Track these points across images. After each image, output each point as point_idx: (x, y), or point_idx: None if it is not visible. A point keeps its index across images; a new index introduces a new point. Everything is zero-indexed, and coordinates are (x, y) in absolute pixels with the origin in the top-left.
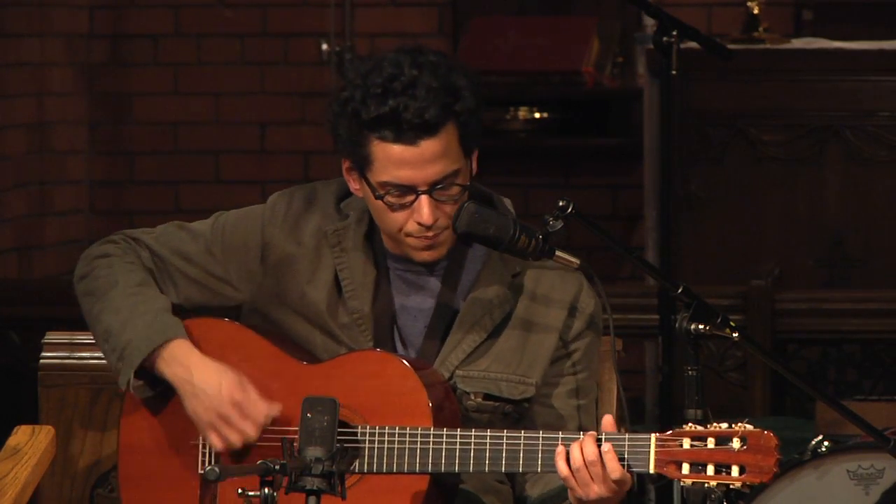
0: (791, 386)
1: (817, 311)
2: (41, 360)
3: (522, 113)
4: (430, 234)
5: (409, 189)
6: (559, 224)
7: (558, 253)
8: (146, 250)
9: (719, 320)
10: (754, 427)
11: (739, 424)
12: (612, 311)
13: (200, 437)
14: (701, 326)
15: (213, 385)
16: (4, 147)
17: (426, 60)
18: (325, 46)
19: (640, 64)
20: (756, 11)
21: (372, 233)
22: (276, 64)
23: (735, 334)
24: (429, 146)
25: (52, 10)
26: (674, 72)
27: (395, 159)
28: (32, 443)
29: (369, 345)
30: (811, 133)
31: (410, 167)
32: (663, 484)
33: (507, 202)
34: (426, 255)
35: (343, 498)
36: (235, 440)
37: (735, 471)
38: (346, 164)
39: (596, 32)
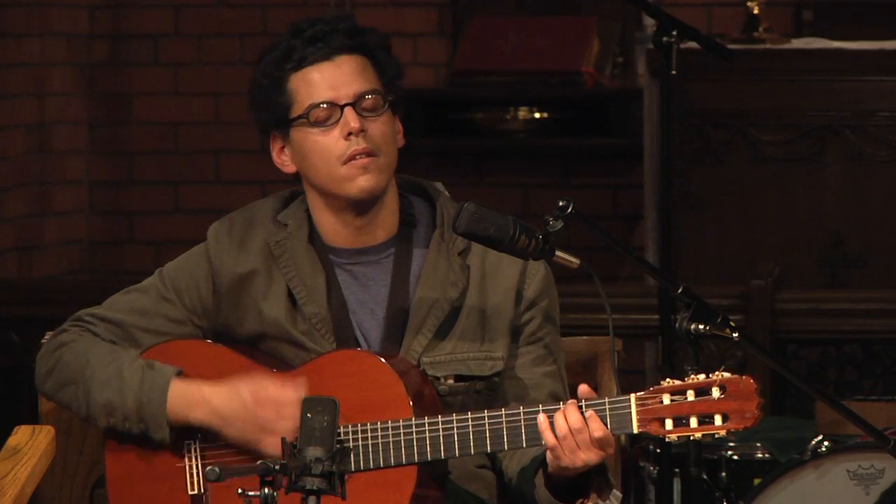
0: (791, 386)
1: (817, 311)
2: None
3: (522, 113)
4: (363, 147)
5: (333, 105)
6: (559, 224)
7: (558, 253)
8: (101, 324)
9: (719, 320)
10: (732, 374)
11: (717, 373)
12: (611, 311)
13: (186, 459)
14: (701, 326)
15: (237, 402)
16: (4, 147)
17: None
18: None
19: (640, 64)
20: (756, 11)
21: (313, 235)
22: None
23: (735, 334)
24: (344, 61)
25: (52, 10)
26: (674, 72)
27: (315, 81)
28: (32, 443)
29: (332, 346)
30: (811, 133)
31: (330, 83)
32: (663, 484)
33: (440, 185)
34: (364, 182)
35: (343, 498)
36: (288, 434)
37: (718, 420)
38: (274, 145)
39: (596, 32)
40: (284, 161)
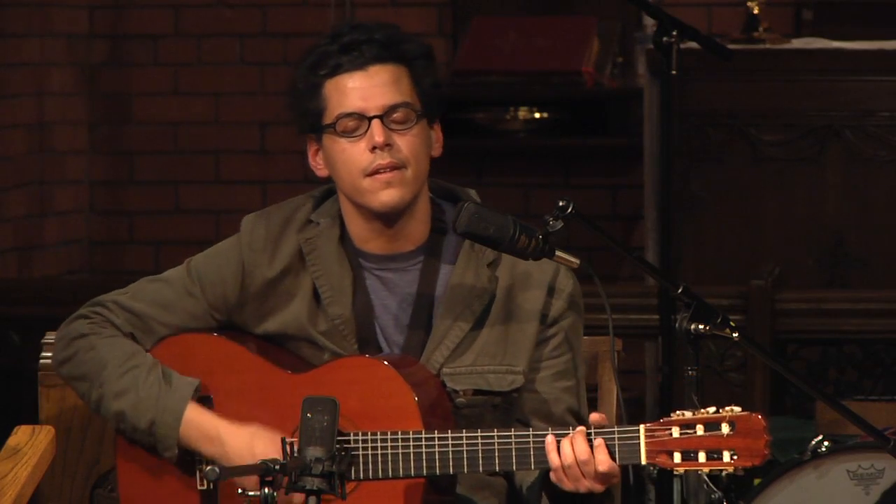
0: (791, 386)
1: (817, 311)
2: (41, 360)
3: (522, 113)
4: (387, 161)
5: (362, 116)
6: (559, 224)
7: (558, 253)
8: (121, 314)
9: (719, 320)
10: (742, 411)
11: (727, 409)
12: (611, 311)
13: (196, 455)
14: (701, 326)
15: (248, 456)
16: (4, 147)
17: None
18: None
19: (640, 64)
20: (756, 11)
21: (344, 236)
22: (276, 64)
23: (735, 334)
24: (377, 71)
25: (52, 10)
26: (674, 72)
27: (347, 89)
28: (32, 443)
29: (354, 348)
30: (811, 133)
31: (361, 93)
32: (663, 484)
33: (473, 192)
34: (386, 197)
35: (343, 498)
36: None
37: (726, 456)
38: (310, 148)
39: (596, 32)
40: (318, 164)
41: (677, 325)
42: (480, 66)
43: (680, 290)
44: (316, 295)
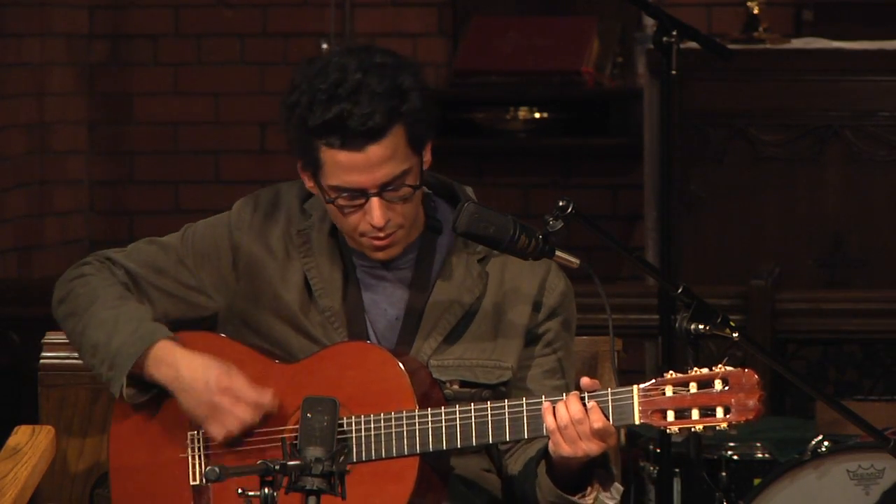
0: (791, 386)
1: (817, 311)
2: (41, 360)
3: (522, 113)
4: (383, 234)
5: (359, 192)
6: (559, 224)
7: (558, 253)
8: (120, 269)
9: (719, 320)
10: (734, 367)
11: (719, 366)
12: (611, 311)
13: (189, 450)
14: (701, 326)
15: (201, 377)
16: (4, 147)
17: (372, 63)
18: (325, 46)
19: (640, 64)
20: (756, 11)
21: (336, 230)
22: (276, 64)
23: (735, 334)
24: (375, 151)
25: (52, 10)
26: (674, 72)
27: (343, 165)
28: (32, 443)
29: (344, 340)
30: (811, 133)
31: (358, 172)
32: (663, 484)
33: (469, 190)
34: (381, 255)
35: (343, 498)
36: (234, 427)
37: (720, 412)
38: (300, 164)
39: (596, 32)
40: (307, 179)
41: (677, 325)
42: (480, 66)
43: (680, 290)
44: (307, 286)
